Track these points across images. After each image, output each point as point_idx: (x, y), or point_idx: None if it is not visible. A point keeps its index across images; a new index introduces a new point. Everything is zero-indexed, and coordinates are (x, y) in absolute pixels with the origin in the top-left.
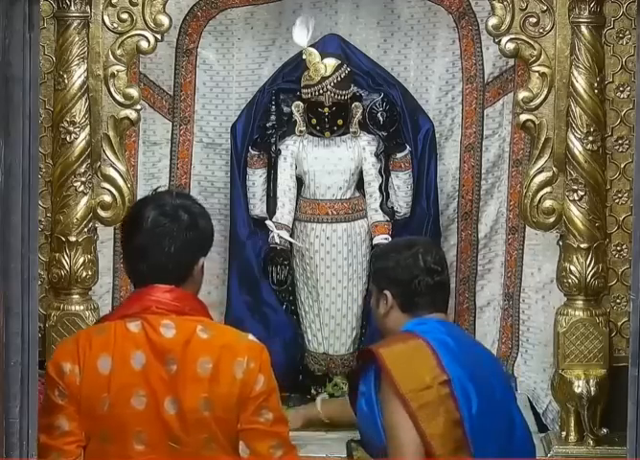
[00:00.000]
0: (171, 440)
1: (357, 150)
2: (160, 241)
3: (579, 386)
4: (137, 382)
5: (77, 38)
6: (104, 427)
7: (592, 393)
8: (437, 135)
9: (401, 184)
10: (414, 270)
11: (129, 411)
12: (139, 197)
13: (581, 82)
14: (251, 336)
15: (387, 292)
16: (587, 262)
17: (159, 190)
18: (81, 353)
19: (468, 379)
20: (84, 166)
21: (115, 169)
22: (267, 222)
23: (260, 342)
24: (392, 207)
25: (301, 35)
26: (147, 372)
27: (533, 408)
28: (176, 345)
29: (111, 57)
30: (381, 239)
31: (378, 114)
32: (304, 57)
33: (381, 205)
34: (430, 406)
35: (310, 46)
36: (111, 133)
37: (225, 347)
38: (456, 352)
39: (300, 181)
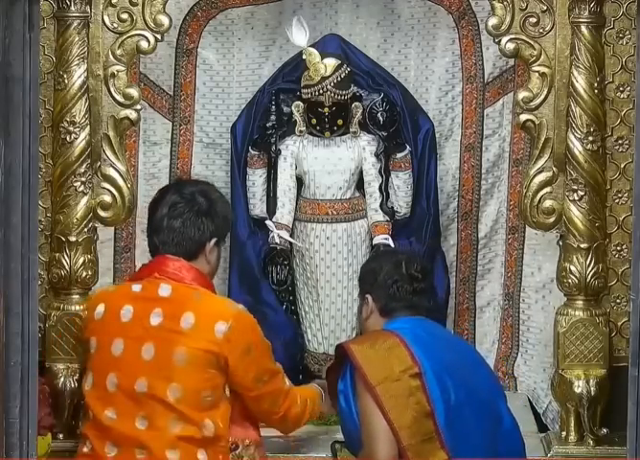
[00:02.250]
0: (139, 383)
1: (357, 150)
2: (172, 220)
3: (579, 386)
4: (119, 332)
5: (77, 38)
6: (93, 370)
7: (592, 393)
8: (437, 135)
9: (401, 184)
10: (394, 275)
11: (108, 356)
12: (139, 197)
13: (581, 82)
14: (242, 306)
15: (368, 296)
16: (587, 262)
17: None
18: (92, 302)
19: (446, 371)
20: (84, 166)
21: (115, 169)
22: (267, 222)
23: (249, 313)
24: (392, 207)
25: (299, 36)
26: (131, 323)
27: (533, 408)
28: (167, 302)
29: (111, 57)
30: (381, 239)
31: (378, 114)
32: (304, 57)
33: (381, 205)
34: (399, 398)
35: (310, 46)
36: (111, 133)
37: (212, 310)
38: (431, 345)
39: (300, 181)
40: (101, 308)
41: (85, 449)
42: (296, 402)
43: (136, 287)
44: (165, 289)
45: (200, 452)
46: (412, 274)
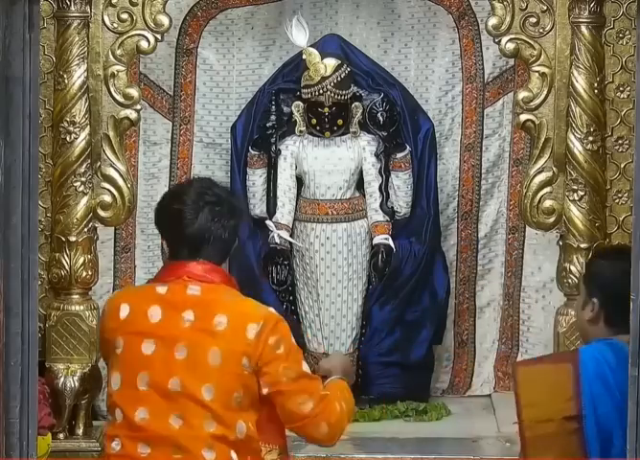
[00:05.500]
0: (172, 382)
1: (357, 150)
2: (200, 224)
3: None
4: (149, 332)
5: (77, 38)
6: (121, 370)
7: None
8: (437, 135)
9: (401, 184)
10: (628, 288)
11: (138, 355)
12: (139, 197)
13: (581, 82)
14: (271, 308)
15: (596, 301)
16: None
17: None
18: (114, 302)
19: (618, 417)
20: (84, 166)
21: (115, 169)
22: (267, 222)
23: (278, 314)
24: (392, 207)
25: (299, 36)
26: (161, 324)
27: None
28: (197, 303)
29: (111, 57)
30: (381, 239)
31: (378, 114)
32: (304, 57)
33: (381, 205)
34: (545, 439)
35: (310, 46)
36: (111, 133)
37: (243, 311)
38: (611, 385)
39: (300, 181)
40: (125, 308)
41: (114, 450)
42: (335, 409)
43: (161, 289)
44: (194, 290)
45: (233, 453)
46: None
